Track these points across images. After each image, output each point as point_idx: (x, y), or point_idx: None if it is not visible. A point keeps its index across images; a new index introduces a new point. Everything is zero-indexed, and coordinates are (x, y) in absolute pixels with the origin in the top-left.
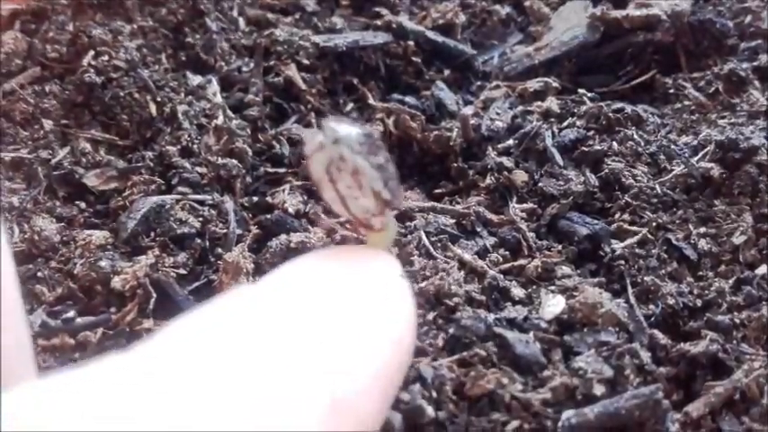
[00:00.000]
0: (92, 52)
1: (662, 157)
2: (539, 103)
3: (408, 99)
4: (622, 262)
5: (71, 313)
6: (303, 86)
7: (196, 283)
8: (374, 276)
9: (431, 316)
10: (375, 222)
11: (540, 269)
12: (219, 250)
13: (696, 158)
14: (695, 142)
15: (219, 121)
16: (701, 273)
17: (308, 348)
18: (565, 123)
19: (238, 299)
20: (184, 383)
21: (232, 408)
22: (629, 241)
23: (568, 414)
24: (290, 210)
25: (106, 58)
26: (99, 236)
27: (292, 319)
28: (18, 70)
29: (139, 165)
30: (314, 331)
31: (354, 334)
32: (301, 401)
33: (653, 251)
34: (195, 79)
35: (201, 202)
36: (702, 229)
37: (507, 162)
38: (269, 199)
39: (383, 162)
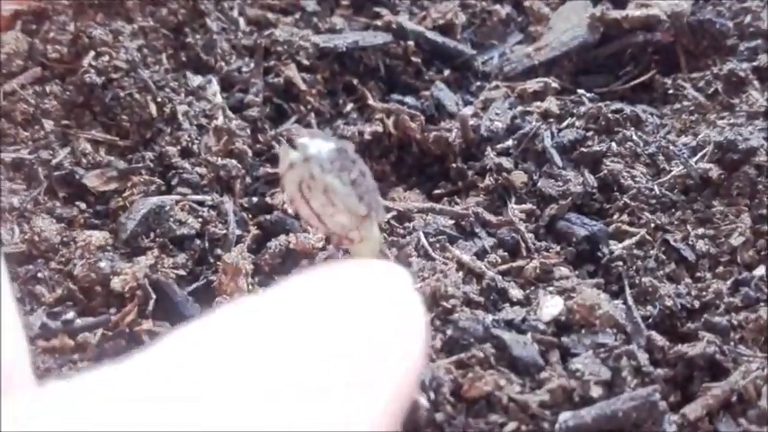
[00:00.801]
0: (92, 53)
1: (661, 157)
2: (538, 103)
3: (408, 99)
4: (620, 263)
5: (71, 314)
6: (303, 87)
7: (195, 284)
8: (388, 290)
9: (429, 317)
10: (354, 235)
11: (538, 270)
12: (219, 251)
13: (695, 159)
14: (694, 143)
15: (219, 121)
16: (698, 274)
17: (322, 363)
18: (564, 124)
19: (245, 310)
20: (182, 389)
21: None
22: (627, 242)
23: (565, 416)
24: (290, 210)
25: (107, 58)
26: (99, 237)
27: (303, 332)
28: (19, 70)
29: (139, 165)
30: (329, 345)
31: (370, 348)
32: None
33: (651, 252)
34: (195, 79)
35: (201, 203)
36: (700, 230)
37: (506, 163)
38: (268, 199)
39: (357, 177)
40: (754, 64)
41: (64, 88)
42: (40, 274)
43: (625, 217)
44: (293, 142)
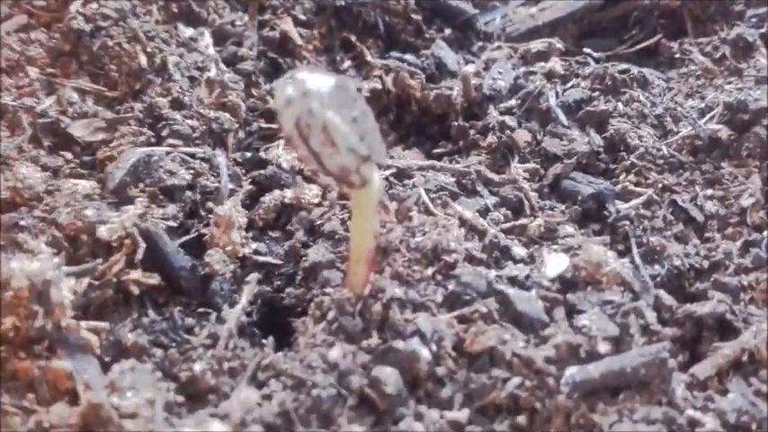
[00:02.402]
0: (80, 0)
1: (668, 118)
2: (542, 63)
3: (408, 57)
4: (627, 222)
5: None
6: (299, 41)
7: (186, 237)
8: None
9: (429, 271)
10: (355, 179)
11: (542, 228)
12: (211, 204)
13: (703, 120)
14: (702, 105)
15: (212, 73)
16: (707, 234)
17: None
18: (569, 84)
19: None
20: None
21: None
22: (634, 202)
23: (572, 371)
24: (285, 165)
25: (95, 6)
26: (85, 185)
27: None
28: (4, 17)
29: (128, 116)
30: None
31: None
32: None
33: (659, 212)
34: (187, 31)
35: (192, 155)
36: (709, 191)
37: (509, 121)
38: (262, 154)
39: (358, 115)
40: (762, 30)
41: (50, 36)
42: (23, 222)
43: (632, 177)
44: (291, 78)
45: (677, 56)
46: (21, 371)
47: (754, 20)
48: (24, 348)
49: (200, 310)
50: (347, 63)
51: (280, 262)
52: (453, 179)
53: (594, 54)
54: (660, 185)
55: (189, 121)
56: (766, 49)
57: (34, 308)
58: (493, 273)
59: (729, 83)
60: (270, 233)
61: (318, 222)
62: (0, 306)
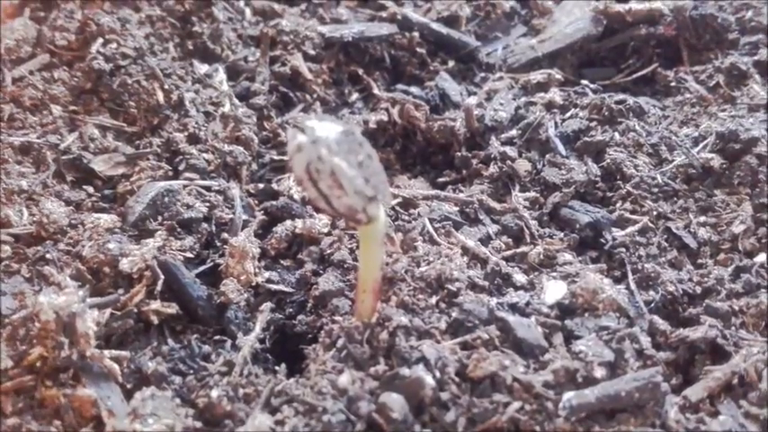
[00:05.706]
0: (100, 40)
1: (663, 147)
2: (542, 94)
3: (413, 89)
4: (623, 249)
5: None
6: (309, 76)
7: (202, 267)
8: None
9: (433, 300)
10: (361, 217)
11: (541, 256)
12: (226, 235)
13: (697, 149)
14: (696, 134)
15: (226, 108)
16: (700, 260)
17: None
18: (567, 114)
19: None
20: None
21: None
22: (629, 229)
23: (569, 395)
24: (296, 196)
25: (114, 45)
26: (107, 219)
27: None
28: (27, 57)
29: (147, 151)
30: None
31: None
32: None
33: (653, 239)
34: (202, 68)
35: (208, 188)
36: (702, 218)
37: (510, 151)
38: (275, 186)
39: (364, 159)
40: (755, 58)
41: (72, 74)
42: (48, 255)
43: (628, 205)
44: (301, 125)
45: (673, 84)
46: (48, 399)
47: (747, 47)
48: (51, 377)
49: (217, 337)
50: (355, 96)
51: (291, 290)
52: (457, 208)
53: (592, 85)
54: (655, 213)
55: (205, 155)
56: (760, 77)
57: (60, 339)
58: (494, 300)
59: (723, 110)
60: (282, 262)
61: (328, 251)
62: (28, 338)
